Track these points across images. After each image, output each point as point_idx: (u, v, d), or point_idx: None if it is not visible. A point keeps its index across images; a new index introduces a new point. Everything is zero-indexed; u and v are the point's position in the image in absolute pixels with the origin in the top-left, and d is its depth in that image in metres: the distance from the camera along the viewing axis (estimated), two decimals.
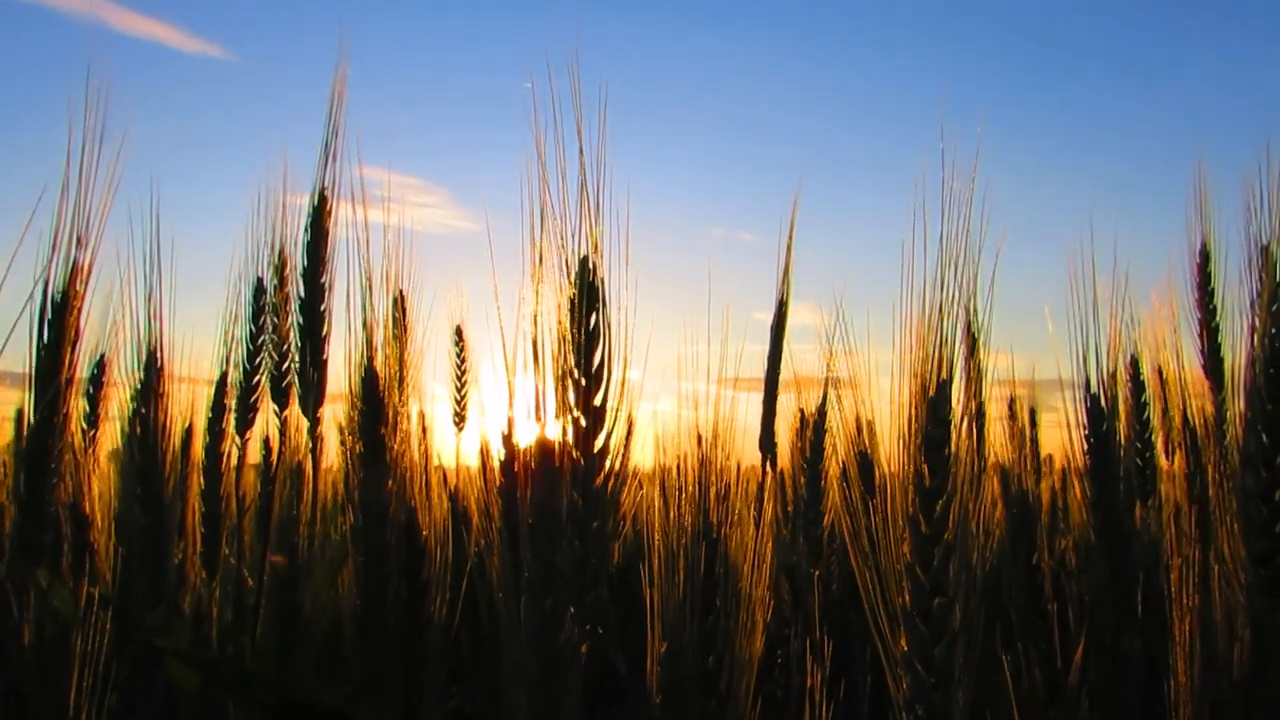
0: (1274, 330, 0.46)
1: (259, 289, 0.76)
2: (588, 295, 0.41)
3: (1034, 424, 1.45)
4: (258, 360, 0.74)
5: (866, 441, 0.69)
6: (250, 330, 0.74)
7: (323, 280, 0.58)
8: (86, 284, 0.42)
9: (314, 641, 0.57)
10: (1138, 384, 0.83)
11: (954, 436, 0.33)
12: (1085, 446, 0.59)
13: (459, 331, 1.20)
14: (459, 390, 1.20)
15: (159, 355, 0.56)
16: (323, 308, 0.59)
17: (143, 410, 0.55)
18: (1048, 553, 0.77)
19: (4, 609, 0.55)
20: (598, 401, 0.42)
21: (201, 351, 0.73)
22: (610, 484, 0.42)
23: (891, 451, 0.40)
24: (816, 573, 0.88)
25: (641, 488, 0.47)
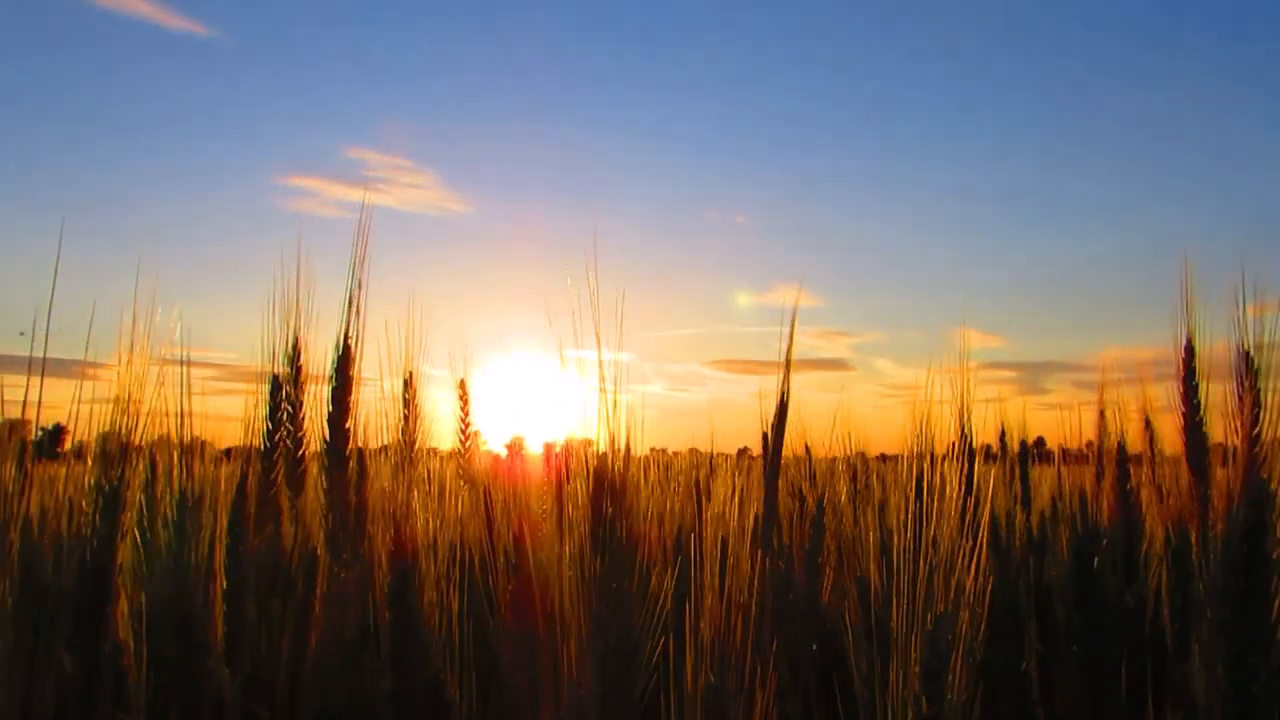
0: (1248, 498, 0.49)
1: (275, 385, 0.79)
2: (607, 491, 0.43)
3: (1024, 454, 1.49)
4: (275, 456, 0.77)
5: (860, 561, 0.72)
6: (268, 427, 0.77)
7: (347, 426, 0.61)
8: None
9: None
10: (1123, 469, 0.86)
11: (949, 667, 0.36)
12: (1073, 568, 0.62)
13: (462, 385, 1.22)
14: (463, 445, 1.22)
15: (189, 495, 0.59)
16: (348, 451, 0.61)
17: (176, 548, 0.57)
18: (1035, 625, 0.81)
19: None
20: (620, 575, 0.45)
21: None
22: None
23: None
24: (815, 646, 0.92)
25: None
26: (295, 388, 0.79)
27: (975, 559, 0.56)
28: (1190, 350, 0.82)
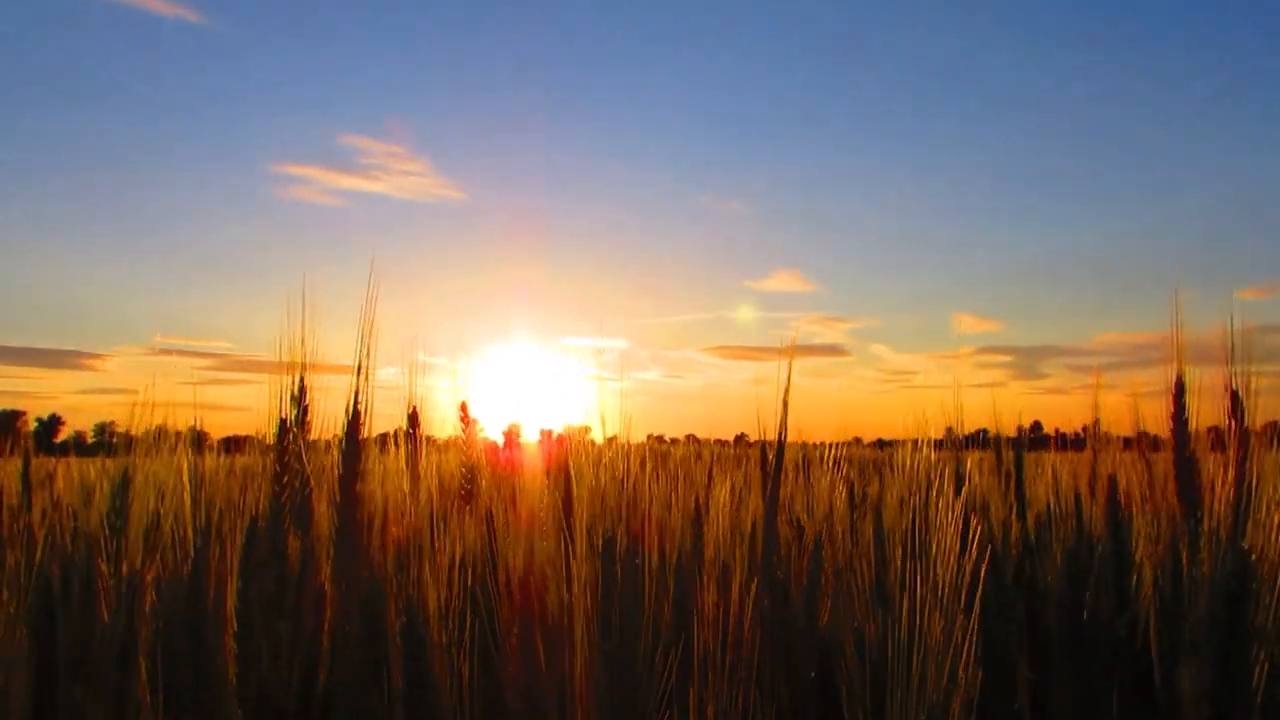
0: (1234, 558, 0.51)
1: (283, 428, 0.81)
2: (610, 560, 0.45)
3: (1019, 458, 1.51)
4: (282, 500, 0.78)
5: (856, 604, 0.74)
6: (276, 470, 0.78)
7: (359, 468, 0.62)
8: None
9: None
10: (1113, 502, 0.87)
11: None
12: (1068, 592, 0.63)
13: (464, 407, 1.23)
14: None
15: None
16: (358, 490, 0.63)
17: (194, 606, 0.59)
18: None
19: None
20: None
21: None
22: None
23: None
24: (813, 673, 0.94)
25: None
26: (302, 429, 0.81)
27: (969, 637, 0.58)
28: (1180, 386, 0.83)
